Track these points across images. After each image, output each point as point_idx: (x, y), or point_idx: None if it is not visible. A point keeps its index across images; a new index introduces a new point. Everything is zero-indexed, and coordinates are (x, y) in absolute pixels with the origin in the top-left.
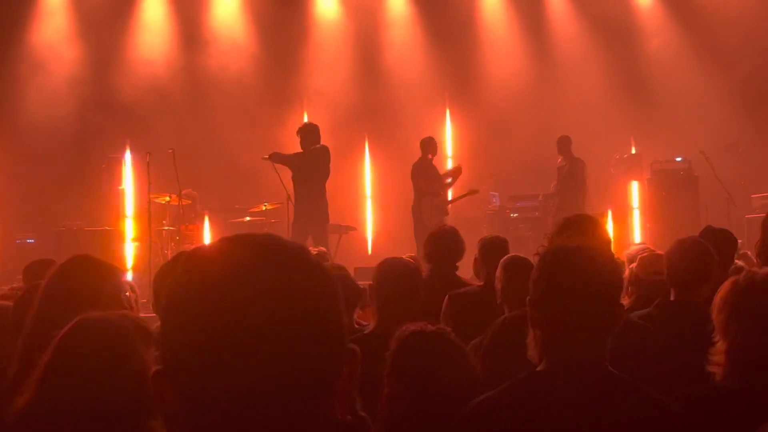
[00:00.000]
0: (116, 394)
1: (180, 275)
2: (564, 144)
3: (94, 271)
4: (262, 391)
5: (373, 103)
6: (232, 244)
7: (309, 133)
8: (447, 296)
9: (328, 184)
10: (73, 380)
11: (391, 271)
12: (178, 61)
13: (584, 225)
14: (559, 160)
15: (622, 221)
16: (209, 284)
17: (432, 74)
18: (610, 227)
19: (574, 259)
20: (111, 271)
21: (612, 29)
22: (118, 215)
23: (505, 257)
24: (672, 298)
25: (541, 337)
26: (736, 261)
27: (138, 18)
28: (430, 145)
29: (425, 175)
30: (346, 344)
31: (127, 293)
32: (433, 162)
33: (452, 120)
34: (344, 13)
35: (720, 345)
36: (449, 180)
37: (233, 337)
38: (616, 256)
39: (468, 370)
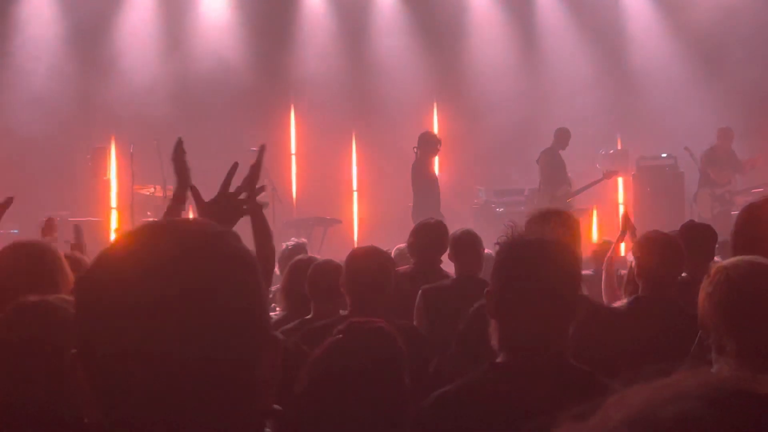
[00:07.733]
0: (60, 378)
1: (94, 261)
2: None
3: (26, 258)
4: (169, 381)
5: (361, 97)
6: (147, 233)
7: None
8: (420, 290)
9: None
10: (14, 365)
11: (362, 260)
12: (165, 53)
13: (548, 217)
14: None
15: (608, 217)
16: (115, 272)
17: (419, 68)
18: (594, 223)
19: (532, 251)
20: (46, 254)
21: (599, 26)
22: (104, 206)
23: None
24: (640, 293)
25: (499, 328)
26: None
27: (125, 12)
28: (561, 137)
29: (555, 164)
30: (263, 333)
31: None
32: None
33: (439, 114)
34: (332, 7)
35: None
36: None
37: (135, 325)
38: (578, 250)
39: (399, 373)
